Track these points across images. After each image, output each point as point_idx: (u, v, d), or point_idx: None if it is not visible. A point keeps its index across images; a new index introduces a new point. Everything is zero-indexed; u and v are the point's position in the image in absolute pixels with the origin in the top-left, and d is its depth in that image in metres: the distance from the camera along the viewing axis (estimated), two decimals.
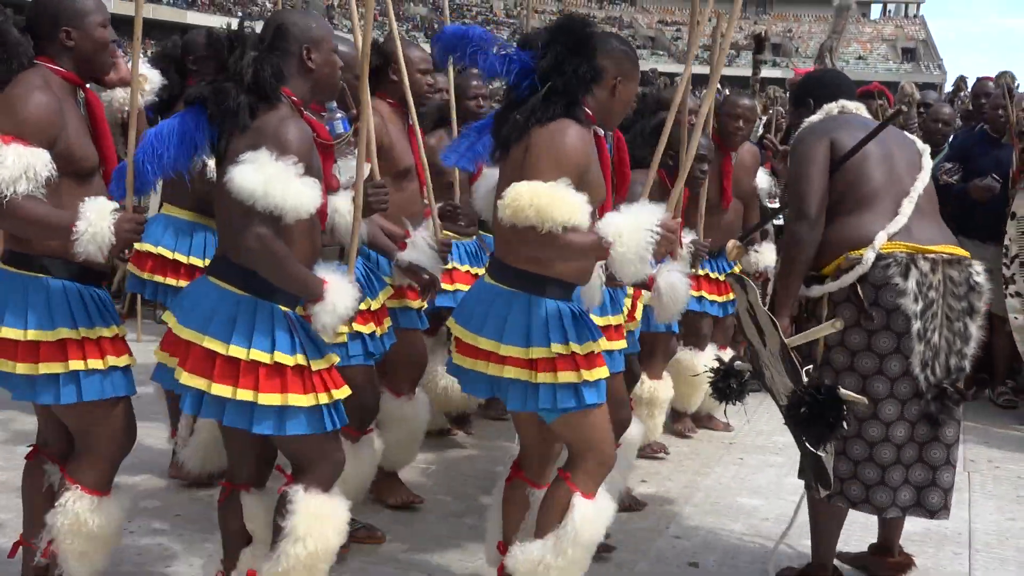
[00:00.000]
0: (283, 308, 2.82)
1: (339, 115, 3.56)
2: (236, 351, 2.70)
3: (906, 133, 3.48)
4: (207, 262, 4.04)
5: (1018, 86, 7.13)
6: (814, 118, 3.50)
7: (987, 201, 5.81)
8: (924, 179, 3.31)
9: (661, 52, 58.13)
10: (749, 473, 4.90)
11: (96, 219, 2.68)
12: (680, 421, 5.41)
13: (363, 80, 3.15)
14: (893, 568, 3.62)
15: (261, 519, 2.94)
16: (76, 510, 2.89)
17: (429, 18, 49.01)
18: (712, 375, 3.49)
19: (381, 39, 4.08)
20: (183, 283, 4.07)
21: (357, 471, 3.53)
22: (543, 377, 2.89)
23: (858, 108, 3.53)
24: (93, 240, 2.67)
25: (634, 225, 2.79)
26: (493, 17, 57.21)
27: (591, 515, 2.97)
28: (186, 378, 2.72)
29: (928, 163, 3.38)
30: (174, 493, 4.27)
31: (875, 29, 69.89)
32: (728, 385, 3.41)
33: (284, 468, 3.02)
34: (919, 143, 3.48)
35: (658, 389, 4.70)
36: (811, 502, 3.43)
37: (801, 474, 3.36)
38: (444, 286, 4.28)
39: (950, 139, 6.59)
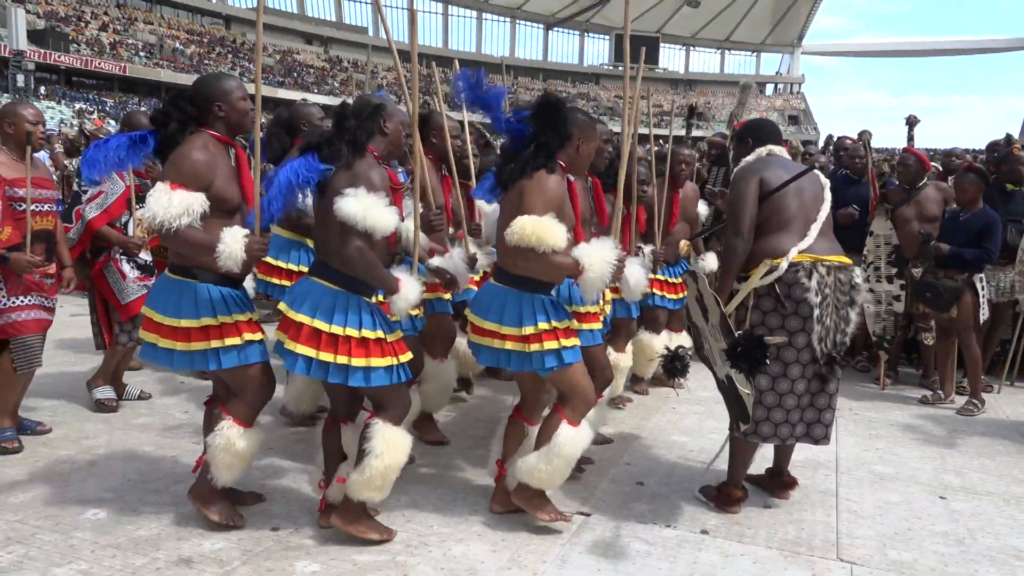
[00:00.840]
0: (365, 299, 2.91)
1: (400, 169, 3.67)
2: (336, 329, 2.81)
3: (816, 171, 3.43)
4: (300, 267, 4.10)
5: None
6: (749, 158, 3.47)
7: (850, 224, 5.79)
8: (826, 209, 3.30)
9: (617, 118, 57.94)
10: (679, 418, 4.87)
11: (231, 242, 2.76)
12: (638, 384, 5.37)
13: (416, 142, 3.24)
14: (783, 486, 3.62)
15: (353, 443, 3.03)
16: (228, 434, 2.95)
17: (450, 94, 48.53)
18: (664, 359, 3.46)
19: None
20: (284, 282, 4.11)
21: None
22: (534, 347, 2.98)
23: (780, 151, 3.50)
24: (230, 257, 2.76)
25: (601, 258, 2.94)
26: (516, 98, 56.81)
27: (572, 436, 3.07)
28: (300, 348, 2.80)
29: (829, 196, 3.35)
30: (275, 429, 4.23)
31: (769, 102, 69.64)
32: (675, 366, 3.39)
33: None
34: (823, 179, 3.43)
35: (620, 359, 4.64)
36: (732, 439, 3.44)
37: (730, 421, 3.36)
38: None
39: None
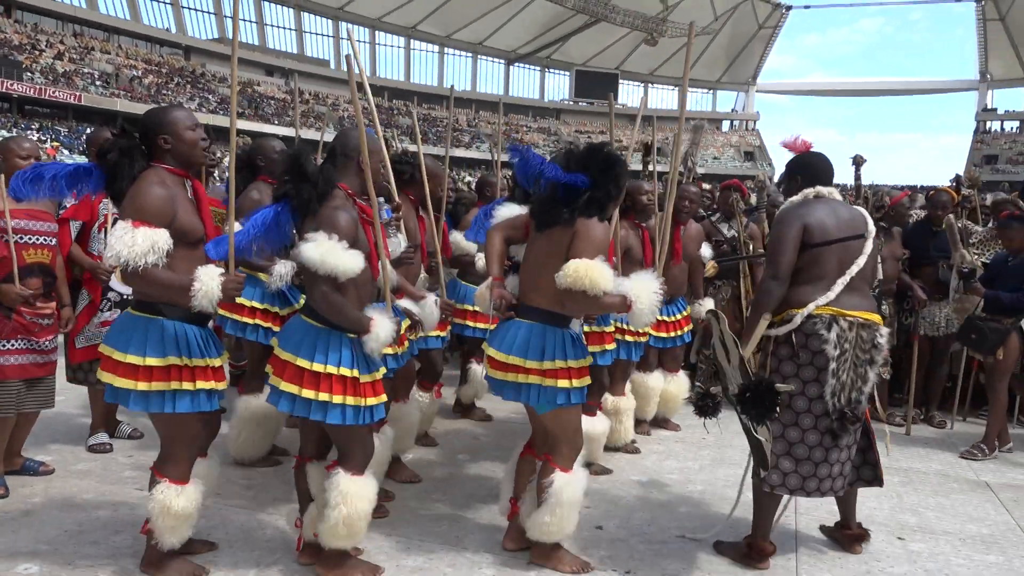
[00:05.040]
0: (348, 336, 2.88)
1: (385, 207, 3.67)
2: (317, 366, 2.79)
3: (866, 223, 3.28)
4: (264, 305, 4.02)
5: None
6: (796, 198, 3.37)
7: None
8: (859, 264, 3.20)
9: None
10: (638, 459, 4.80)
11: (207, 280, 2.66)
12: (640, 426, 5.26)
13: (366, 177, 3.10)
14: (852, 538, 3.55)
15: (318, 482, 2.99)
16: (163, 497, 2.82)
17: (412, 127, 48.47)
18: (695, 398, 3.29)
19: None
20: (247, 319, 4.01)
21: (379, 452, 3.47)
22: (549, 382, 3.01)
23: (830, 192, 3.36)
24: (206, 296, 2.66)
25: (647, 290, 3.01)
26: (478, 131, 56.91)
27: (568, 482, 3.08)
28: (284, 386, 2.83)
29: (867, 250, 3.24)
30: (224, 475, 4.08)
31: (725, 138, 71.23)
32: (706, 404, 3.25)
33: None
34: (870, 228, 3.28)
35: (621, 402, 4.65)
36: (755, 489, 3.32)
37: (754, 468, 3.25)
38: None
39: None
